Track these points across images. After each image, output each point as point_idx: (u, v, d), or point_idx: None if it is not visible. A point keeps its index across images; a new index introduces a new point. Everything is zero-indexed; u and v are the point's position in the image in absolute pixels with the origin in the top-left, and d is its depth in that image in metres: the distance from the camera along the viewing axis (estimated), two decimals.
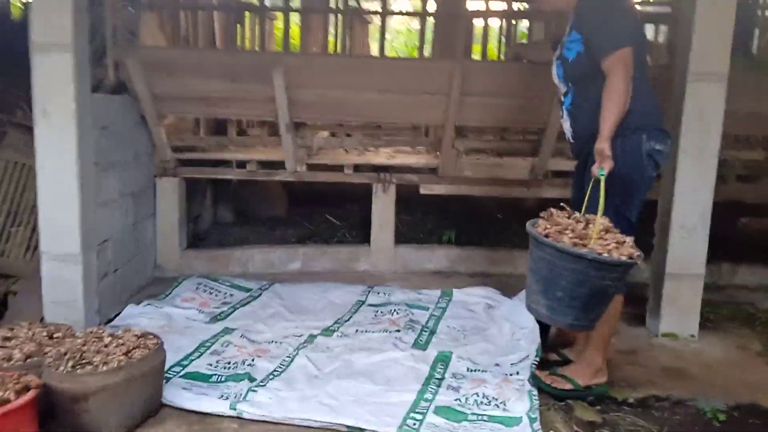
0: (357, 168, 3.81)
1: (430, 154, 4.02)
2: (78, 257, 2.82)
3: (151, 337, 2.19)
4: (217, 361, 2.54)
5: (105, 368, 1.97)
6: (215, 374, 2.43)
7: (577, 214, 2.14)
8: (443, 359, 2.55)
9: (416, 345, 2.70)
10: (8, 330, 2.28)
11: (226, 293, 3.35)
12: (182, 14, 4.17)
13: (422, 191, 3.81)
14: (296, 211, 5.30)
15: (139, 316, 2.98)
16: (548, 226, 2.06)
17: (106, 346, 2.08)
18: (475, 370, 2.47)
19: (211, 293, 3.33)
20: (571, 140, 2.42)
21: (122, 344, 2.08)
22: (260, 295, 3.33)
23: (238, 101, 3.39)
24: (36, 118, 2.70)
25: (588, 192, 2.15)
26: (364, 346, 2.67)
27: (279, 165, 3.77)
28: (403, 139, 3.80)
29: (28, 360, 2.09)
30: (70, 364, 1.98)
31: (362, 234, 4.25)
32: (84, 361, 1.99)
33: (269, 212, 5.33)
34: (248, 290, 3.39)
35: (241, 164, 3.81)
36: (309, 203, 5.36)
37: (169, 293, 3.29)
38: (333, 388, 2.29)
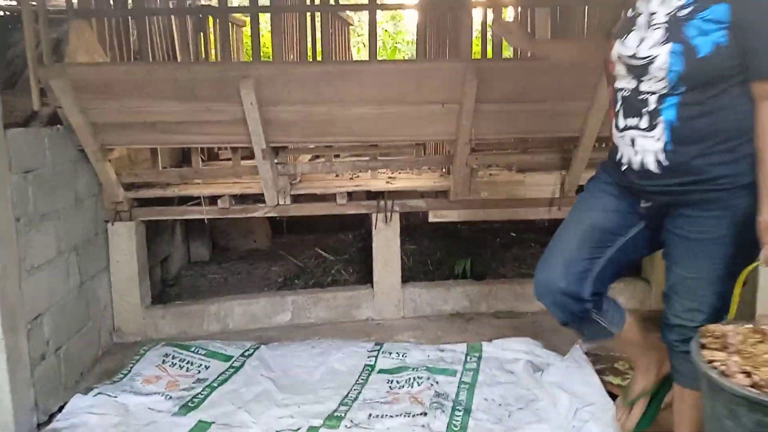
0: (351, 196, 3.17)
1: (438, 175, 3.39)
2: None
3: None
4: None
5: None
6: None
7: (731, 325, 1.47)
8: None
9: None
10: None
11: (200, 365, 2.68)
12: (131, 25, 3.50)
13: (432, 219, 3.18)
14: (280, 241, 4.66)
15: (86, 412, 2.30)
16: (725, 358, 1.34)
17: None
18: None
19: (181, 367, 2.66)
20: (655, 171, 1.60)
21: None
22: (243, 365, 2.66)
23: (200, 125, 2.74)
24: None
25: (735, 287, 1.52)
26: None
27: (257, 198, 3.13)
28: (406, 160, 3.16)
29: None
30: None
31: (361, 270, 3.62)
32: None
33: (250, 245, 4.68)
34: (228, 358, 2.73)
35: (213, 199, 3.16)
36: (294, 231, 4.72)
37: (128, 372, 2.62)
38: None
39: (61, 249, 2.61)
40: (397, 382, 2.46)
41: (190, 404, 2.37)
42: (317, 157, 3.82)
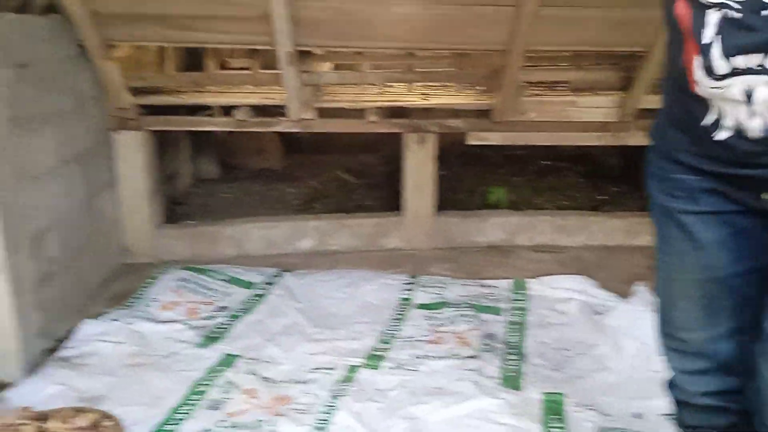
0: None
1: (479, 92, 3.05)
2: (0, 262, 1.90)
3: (111, 424, 1.31)
4: (220, 422, 1.69)
5: None
6: None
7: None
8: (554, 409, 1.72)
9: (506, 382, 1.86)
10: None
11: (220, 293, 2.44)
12: None
13: (470, 142, 2.88)
14: (293, 161, 4.36)
15: (98, 339, 2.08)
16: None
17: None
18: (613, 429, 1.65)
19: (199, 293, 2.43)
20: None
21: None
22: (266, 293, 2.44)
23: (217, 21, 2.37)
24: None
25: None
26: (430, 388, 1.82)
27: (276, 111, 2.80)
28: (447, 72, 2.82)
29: None
30: None
31: (386, 196, 3.35)
32: None
33: (261, 164, 4.39)
34: (249, 285, 2.50)
35: (225, 109, 2.83)
36: (307, 151, 4.41)
37: (141, 296, 2.39)
38: None
39: (62, 158, 2.31)
40: (438, 319, 2.24)
41: (212, 335, 2.15)
42: (337, 68, 3.46)
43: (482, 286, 2.48)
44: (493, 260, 2.85)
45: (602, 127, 2.84)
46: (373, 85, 3.03)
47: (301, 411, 1.73)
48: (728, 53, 0.90)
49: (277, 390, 1.83)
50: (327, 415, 1.71)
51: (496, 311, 2.29)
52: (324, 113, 2.83)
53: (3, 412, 1.43)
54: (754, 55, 0.87)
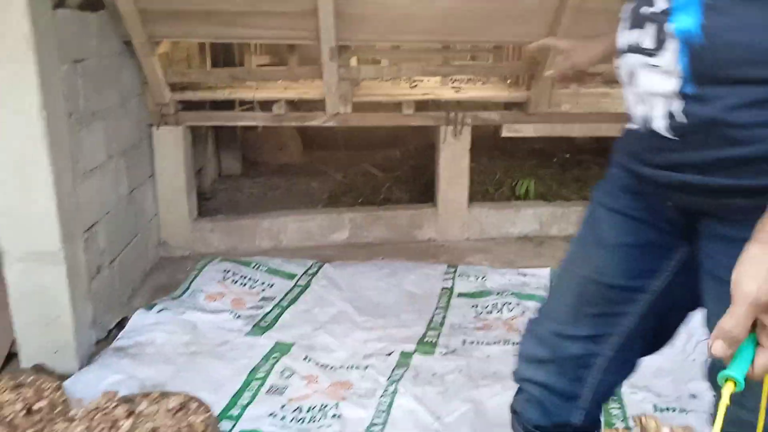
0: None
1: (513, 85, 3.09)
2: (58, 254, 1.93)
3: (196, 406, 1.35)
4: (282, 408, 1.73)
5: None
6: None
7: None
8: None
9: None
10: None
11: (263, 283, 2.49)
12: None
13: (505, 134, 2.92)
14: (312, 157, 4.40)
15: (152, 329, 2.12)
16: None
17: None
18: (666, 409, 1.69)
19: (244, 284, 2.47)
20: (666, 136, 0.78)
21: (153, 431, 1.24)
22: (309, 283, 2.48)
23: (262, 17, 2.41)
24: None
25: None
26: (486, 371, 1.86)
27: (307, 105, 2.84)
28: (483, 65, 2.85)
29: None
30: None
31: (415, 189, 3.39)
32: None
33: (282, 159, 4.42)
34: (291, 276, 2.54)
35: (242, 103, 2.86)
36: (327, 147, 4.45)
37: (188, 287, 2.42)
38: None
39: (110, 153, 2.35)
40: (483, 307, 2.29)
41: (262, 324, 2.19)
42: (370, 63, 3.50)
43: (521, 274, 2.52)
44: (527, 250, 2.89)
45: None
46: (409, 78, 3.07)
47: (363, 396, 1.77)
48: (623, 29, 0.81)
49: (335, 376, 1.87)
50: (389, 398, 1.74)
51: (540, 299, 2.32)
52: (357, 107, 2.87)
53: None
54: (635, 30, 0.78)
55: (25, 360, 2.00)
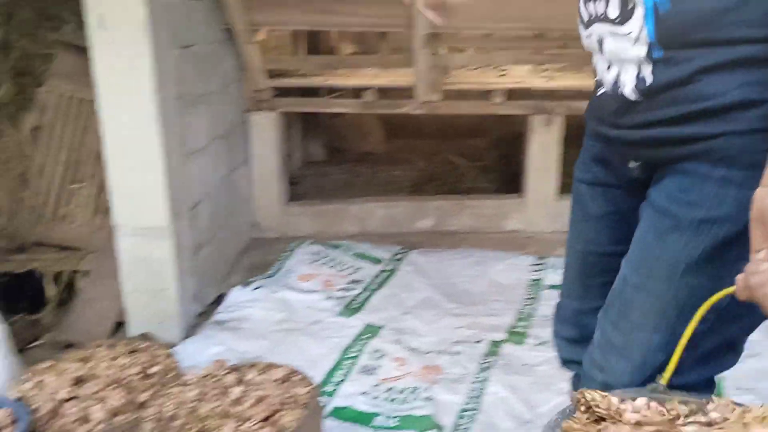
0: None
1: None
2: (166, 230, 2.05)
3: (299, 378, 1.40)
4: (375, 387, 1.76)
5: None
6: (379, 412, 1.65)
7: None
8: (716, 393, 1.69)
9: None
10: (81, 360, 1.53)
11: (352, 266, 2.54)
12: None
13: None
14: (394, 145, 4.42)
15: (249, 305, 2.22)
16: None
17: (236, 401, 1.30)
18: None
19: (332, 266, 2.53)
20: (634, 100, 0.84)
21: (261, 399, 1.30)
22: (395, 269, 2.51)
23: (359, 5, 2.44)
24: (90, 33, 1.85)
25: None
26: None
27: (395, 93, 2.85)
28: (577, 53, 2.77)
29: (116, 419, 1.34)
30: None
31: (499, 179, 3.35)
32: None
33: (364, 147, 4.48)
34: (378, 261, 2.58)
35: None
36: (408, 136, 4.46)
37: (280, 268, 2.51)
38: None
39: (211, 136, 2.46)
40: None
41: (352, 306, 2.24)
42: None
43: None
44: None
45: None
46: (497, 67, 3.03)
47: (454, 381, 1.77)
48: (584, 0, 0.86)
49: (425, 360, 1.89)
50: (480, 385, 1.75)
51: None
52: (446, 96, 2.86)
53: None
54: (599, 1, 0.83)
55: (133, 329, 2.14)
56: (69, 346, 2.09)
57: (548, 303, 2.22)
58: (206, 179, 2.41)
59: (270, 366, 1.40)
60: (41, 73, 2.58)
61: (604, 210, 1.01)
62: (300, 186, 3.73)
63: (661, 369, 0.83)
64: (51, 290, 2.44)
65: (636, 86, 0.82)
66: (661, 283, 0.86)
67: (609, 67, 0.87)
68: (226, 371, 1.38)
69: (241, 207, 2.85)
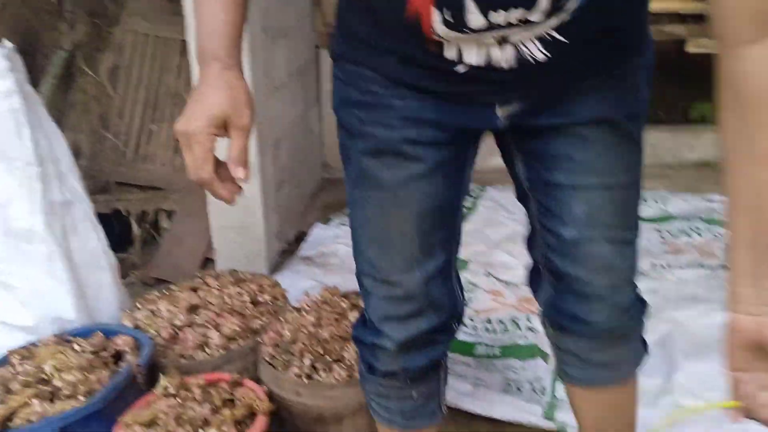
0: None
1: None
2: (254, 165, 2.04)
3: None
4: (472, 319, 1.75)
5: None
6: (481, 342, 1.64)
7: None
8: None
9: None
10: (192, 290, 1.56)
11: None
12: None
13: (690, 49, 2.66)
14: None
15: (333, 241, 2.23)
16: None
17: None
18: None
19: None
20: (547, 57, 0.80)
21: None
22: (476, 205, 2.47)
23: None
24: None
25: None
26: (683, 294, 1.77)
27: None
28: None
29: (231, 343, 1.37)
30: (307, 362, 1.23)
31: None
32: (328, 359, 1.24)
33: None
34: None
35: None
36: None
37: None
38: (684, 375, 1.46)
39: (290, 71, 2.42)
40: (669, 232, 2.16)
41: None
42: None
43: (708, 200, 2.34)
44: (708, 177, 2.66)
45: None
46: None
47: None
48: (485, 9, 0.73)
49: (520, 292, 1.86)
50: None
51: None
52: None
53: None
54: (517, 9, 0.73)
55: (221, 265, 2.17)
56: (159, 282, 2.15)
57: (643, 236, 2.16)
58: (285, 116, 2.39)
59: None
60: (116, 13, 2.58)
61: (442, 158, 0.93)
62: None
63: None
64: (136, 229, 2.50)
65: (544, 47, 0.80)
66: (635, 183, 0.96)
67: (505, 50, 0.81)
68: (339, 298, 1.39)
69: (313, 146, 2.84)
